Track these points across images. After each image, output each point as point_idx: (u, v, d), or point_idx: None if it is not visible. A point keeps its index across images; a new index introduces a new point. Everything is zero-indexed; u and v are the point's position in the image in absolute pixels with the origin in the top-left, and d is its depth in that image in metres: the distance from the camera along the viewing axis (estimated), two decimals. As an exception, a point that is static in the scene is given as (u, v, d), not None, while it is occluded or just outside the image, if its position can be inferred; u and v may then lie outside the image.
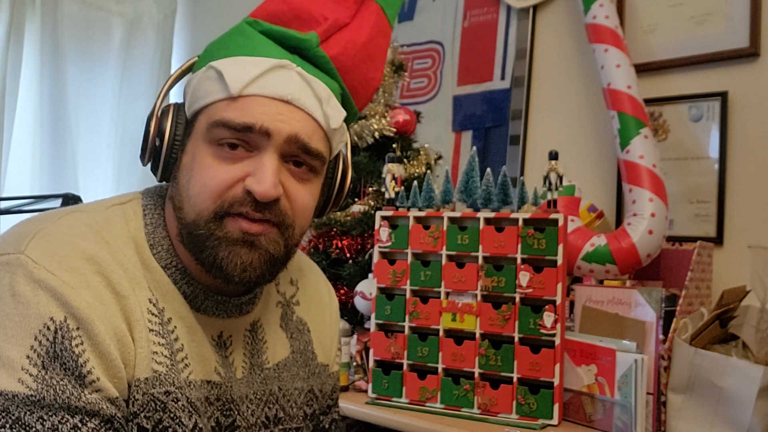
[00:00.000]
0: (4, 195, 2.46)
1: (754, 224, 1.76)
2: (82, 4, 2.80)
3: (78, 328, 0.75)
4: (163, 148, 0.86)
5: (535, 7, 2.21)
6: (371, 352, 1.57)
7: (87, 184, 2.76)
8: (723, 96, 1.81)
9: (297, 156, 0.85)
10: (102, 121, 2.86)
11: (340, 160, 0.96)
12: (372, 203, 1.87)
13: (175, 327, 0.86)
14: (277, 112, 0.82)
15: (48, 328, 0.74)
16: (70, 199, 2.06)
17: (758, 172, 1.76)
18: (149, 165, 0.90)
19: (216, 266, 0.83)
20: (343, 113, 0.90)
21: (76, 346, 0.75)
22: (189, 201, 0.84)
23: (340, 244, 1.85)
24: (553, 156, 1.51)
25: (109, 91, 2.88)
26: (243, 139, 0.82)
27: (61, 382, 0.74)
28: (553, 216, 1.44)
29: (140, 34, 2.95)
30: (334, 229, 1.88)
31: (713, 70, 1.84)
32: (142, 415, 0.80)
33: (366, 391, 1.60)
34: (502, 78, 2.27)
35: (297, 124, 0.83)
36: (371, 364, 1.57)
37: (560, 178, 1.50)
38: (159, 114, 0.87)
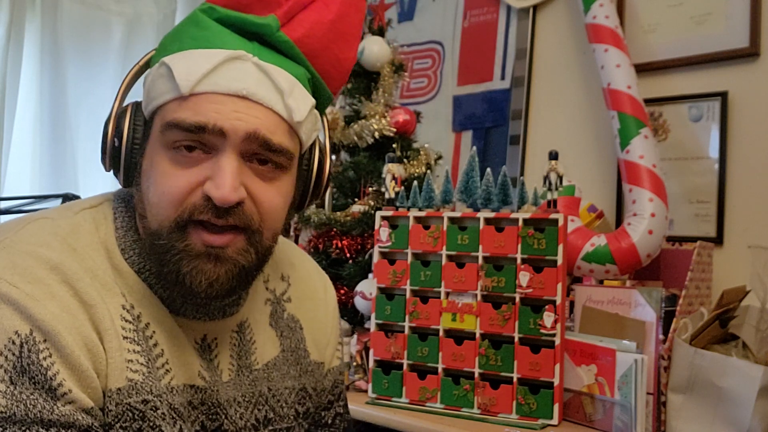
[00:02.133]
0: (4, 195, 2.46)
1: (754, 224, 1.76)
2: (82, 4, 2.79)
3: (45, 341, 0.73)
4: (122, 153, 0.82)
5: (535, 7, 2.21)
6: (371, 352, 1.57)
7: (87, 184, 2.76)
8: (723, 96, 1.81)
9: (260, 154, 0.80)
10: (102, 121, 2.84)
11: (316, 148, 0.89)
12: (372, 203, 1.87)
13: (154, 332, 0.83)
14: (233, 110, 0.77)
15: (13, 343, 0.72)
16: (69, 199, 2.06)
17: (758, 172, 1.76)
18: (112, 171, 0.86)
19: (179, 282, 0.79)
20: (311, 102, 0.84)
21: (44, 359, 0.73)
22: (151, 210, 0.80)
23: (340, 244, 1.85)
24: (553, 156, 1.51)
25: (109, 91, 2.87)
26: (198, 140, 0.78)
27: (31, 397, 0.72)
28: (553, 216, 1.44)
29: (140, 34, 2.95)
30: (334, 229, 1.88)
31: (713, 70, 1.84)
32: (118, 425, 0.77)
33: (366, 391, 1.60)
34: (502, 78, 2.27)
35: (255, 120, 0.78)
36: (371, 364, 1.57)
37: (560, 178, 1.50)
38: (117, 116, 0.83)
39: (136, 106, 0.84)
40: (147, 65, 0.87)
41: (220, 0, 0.83)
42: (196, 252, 0.78)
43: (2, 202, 2.20)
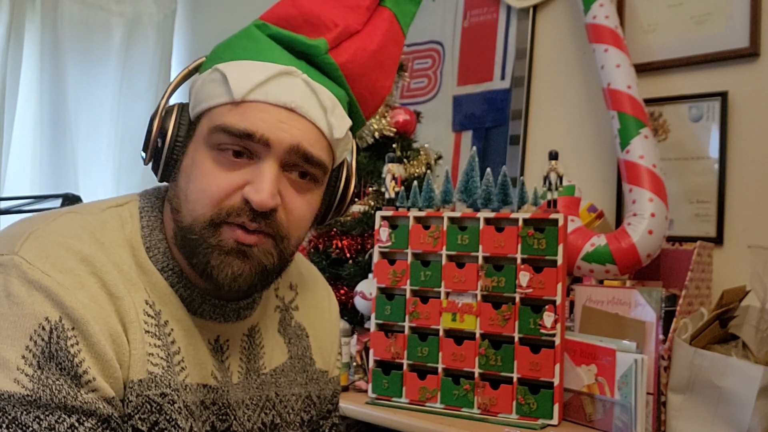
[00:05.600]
0: (4, 195, 2.47)
1: (754, 224, 1.76)
2: (82, 4, 2.80)
3: (73, 329, 0.75)
4: (164, 149, 0.85)
5: (535, 7, 2.21)
6: (371, 352, 1.57)
7: (87, 184, 2.76)
8: (723, 96, 1.81)
9: (298, 165, 0.84)
10: (102, 121, 2.86)
11: (343, 168, 0.95)
12: (372, 203, 1.87)
13: (172, 330, 0.85)
14: (279, 120, 0.82)
15: (43, 328, 0.74)
16: (70, 199, 2.06)
17: (758, 172, 1.76)
18: (150, 164, 0.89)
19: (207, 273, 0.82)
20: (349, 122, 0.89)
21: (72, 346, 0.75)
22: (187, 205, 0.83)
23: (340, 244, 1.85)
24: (553, 156, 1.51)
25: (109, 91, 2.88)
26: (243, 146, 0.82)
27: (57, 382, 0.74)
28: (553, 216, 1.44)
29: (140, 34, 2.95)
30: (334, 229, 1.88)
31: (713, 70, 1.84)
32: (137, 416, 0.79)
33: (366, 391, 1.60)
34: (502, 78, 2.27)
35: (299, 132, 0.82)
36: (371, 364, 1.57)
37: (560, 178, 1.50)
38: (163, 113, 0.87)
39: (182, 107, 0.88)
40: (196, 70, 0.91)
41: (272, 19, 0.88)
42: (228, 248, 0.82)
43: (2, 202, 2.20)
